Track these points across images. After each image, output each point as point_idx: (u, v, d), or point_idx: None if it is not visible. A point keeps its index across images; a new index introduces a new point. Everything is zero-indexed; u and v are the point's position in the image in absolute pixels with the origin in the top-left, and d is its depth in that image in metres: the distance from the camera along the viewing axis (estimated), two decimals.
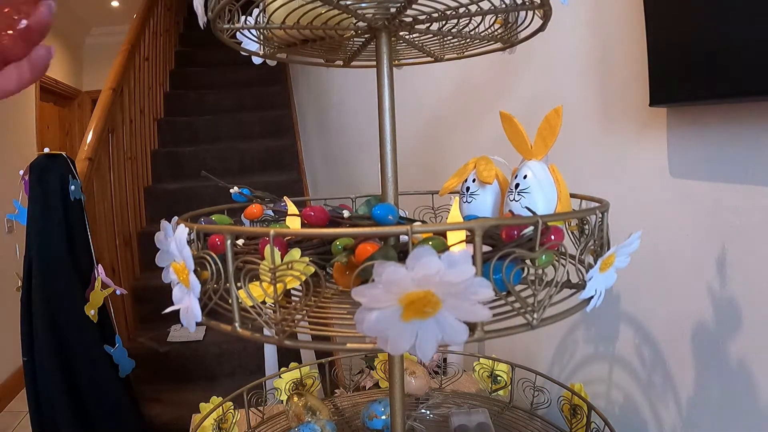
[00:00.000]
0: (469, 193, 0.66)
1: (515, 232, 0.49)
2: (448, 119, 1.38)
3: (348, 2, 0.51)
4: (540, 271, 0.41)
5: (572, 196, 0.61)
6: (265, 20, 0.58)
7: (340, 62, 0.76)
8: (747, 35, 0.60)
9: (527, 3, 0.56)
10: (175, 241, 0.39)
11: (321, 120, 3.22)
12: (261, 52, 0.66)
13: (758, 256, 0.63)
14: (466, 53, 0.74)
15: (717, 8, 0.63)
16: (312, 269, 0.41)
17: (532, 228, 0.46)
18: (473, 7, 0.55)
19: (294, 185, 3.34)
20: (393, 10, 0.54)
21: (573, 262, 0.45)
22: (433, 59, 0.75)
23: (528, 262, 0.43)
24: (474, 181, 0.66)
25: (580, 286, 0.46)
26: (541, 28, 0.63)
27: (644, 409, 0.80)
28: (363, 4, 0.53)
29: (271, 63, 0.70)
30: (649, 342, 0.79)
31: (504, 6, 0.57)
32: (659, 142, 0.75)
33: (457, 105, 1.33)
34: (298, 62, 0.74)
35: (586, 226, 0.58)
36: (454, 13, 0.56)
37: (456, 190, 0.68)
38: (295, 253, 0.45)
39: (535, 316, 0.40)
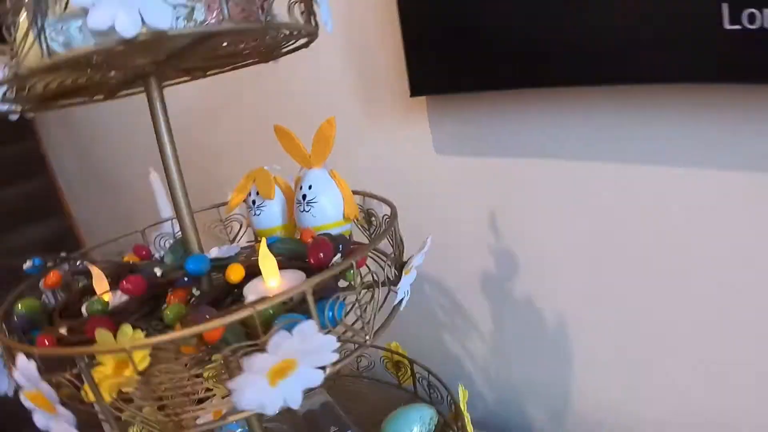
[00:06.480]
0: (256, 206, 0.69)
1: (322, 256, 0.55)
2: (223, 135, 1.32)
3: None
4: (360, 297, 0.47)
5: (355, 193, 0.67)
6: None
7: (101, 96, 0.72)
8: (493, 30, 0.70)
9: (294, 33, 0.58)
10: (24, 376, 0.37)
11: (89, 156, 2.81)
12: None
13: (520, 214, 0.78)
14: (227, 68, 0.75)
15: (466, 6, 0.71)
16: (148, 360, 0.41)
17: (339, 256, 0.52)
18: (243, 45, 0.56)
19: (65, 236, 2.85)
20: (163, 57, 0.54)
21: (386, 281, 0.52)
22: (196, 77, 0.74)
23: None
24: (258, 193, 0.69)
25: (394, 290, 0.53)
26: (305, 46, 0.66)
27: (457, 349, 0.94)
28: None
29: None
30: (447, 295, 0.93)
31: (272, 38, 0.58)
32: (423, 126, 0.85)
33: (230, 120, 1.28)
34: (57, 108, 0.69)
35: (374, 219, 0.66)
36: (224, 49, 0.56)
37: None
38: (127, 329, 0.45)
39: (367, 336, 0.47)
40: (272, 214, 0.69)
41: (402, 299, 0.53)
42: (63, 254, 0.68)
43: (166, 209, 0.92)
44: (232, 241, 0.80)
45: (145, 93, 0.59)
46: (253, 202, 0.69)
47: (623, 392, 0.79)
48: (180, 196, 0.58)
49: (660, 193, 0.67)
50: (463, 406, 0.69)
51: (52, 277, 0.62)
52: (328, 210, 0.63)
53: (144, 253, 0.70)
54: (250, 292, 0.50)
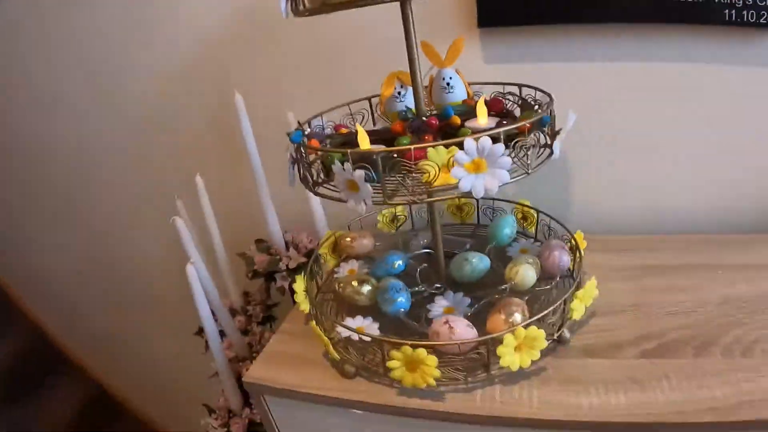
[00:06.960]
0: (401, 96, 0.95)
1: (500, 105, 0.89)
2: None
3: None
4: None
5: (471, 83, 0.97)
6: None
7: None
8: None
9: None
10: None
11: None
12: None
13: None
14: None
15: None
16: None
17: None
18: None
19: None
20: None
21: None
22: None
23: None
24: (402, 86, 0.95)
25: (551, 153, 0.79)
26: None
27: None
28: None
29: None
30: None
31: None
32: (475, 45, 1.11)
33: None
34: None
35: (475, 97, 0.94)
36: None
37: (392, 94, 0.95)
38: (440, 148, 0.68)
39: (529, 171, 0.75)
40: (460, 89, 0.94)
41: (553, 154, 0.76)
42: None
43: (248, 129, 1.15)
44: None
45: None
46: (399, 92, 0.95)
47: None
48: (420, 83, 0.86)
49: (642, 73, 1.04)
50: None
51: (314, 142, 0.86)
52: (460, 92, 0.93)
53: (343, 128, 0.96)
54: (471, 125, 0.81)
